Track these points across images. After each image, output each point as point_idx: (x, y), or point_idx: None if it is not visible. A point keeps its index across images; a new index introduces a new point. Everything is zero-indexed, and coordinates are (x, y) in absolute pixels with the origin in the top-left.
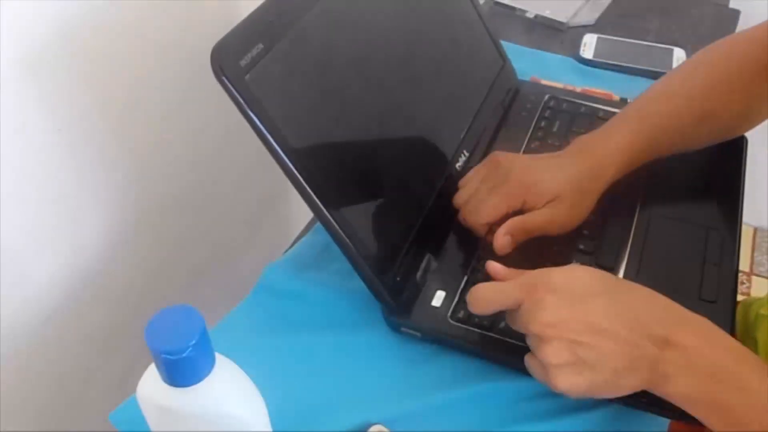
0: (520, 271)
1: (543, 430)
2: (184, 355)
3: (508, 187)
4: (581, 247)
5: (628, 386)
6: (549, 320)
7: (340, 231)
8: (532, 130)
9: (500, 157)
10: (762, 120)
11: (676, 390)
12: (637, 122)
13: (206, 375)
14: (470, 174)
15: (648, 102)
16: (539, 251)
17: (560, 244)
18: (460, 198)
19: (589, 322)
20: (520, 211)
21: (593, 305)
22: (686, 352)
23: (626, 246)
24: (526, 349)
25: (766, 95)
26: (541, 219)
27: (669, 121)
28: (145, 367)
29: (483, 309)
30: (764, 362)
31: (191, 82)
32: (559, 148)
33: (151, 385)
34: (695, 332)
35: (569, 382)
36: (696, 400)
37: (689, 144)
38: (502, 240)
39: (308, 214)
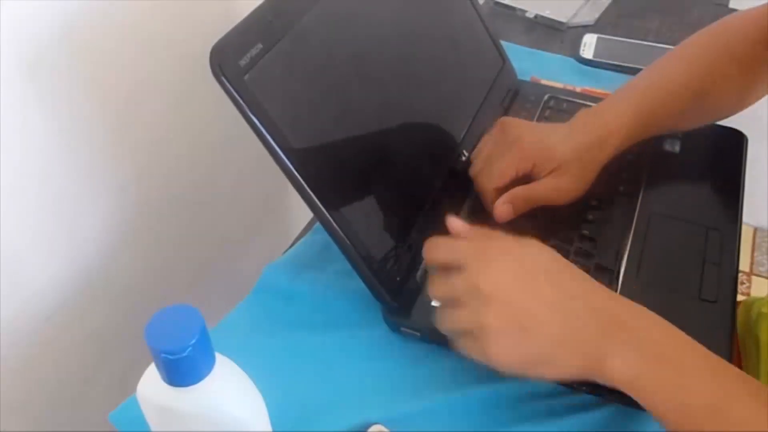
0: (480, 229)
1: (543, 430)
2: (184, 354)
3: (517, 151)
4: (581, 246)
5: (565, 364)
6: (498, 280)
7: (340, 231)
8: None
9: (508, 121)
10: (760, 97)
11: (616, 369)
12: (638, 98)
13: (206, 375)
14: (481, 143)
15: (648, 79)
16: None
17: (560, 242)
18: (475, 167)
19: (538, 290)
20: (528, 176)
21: (544, 277)
22: (630, 330)
23: (626, 246)
24: None
25: (762, 72)
26: (544, 189)
27: (669, 97)
28: (145, 367)
29: (432, 256)
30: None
31: (191, 82)
32: None
33: (151, 385)
34: (639, 314)
35: (504, 349)
36: (635, 380)
37: (689, 121)
38: (501, 208)
39: (308, 214)
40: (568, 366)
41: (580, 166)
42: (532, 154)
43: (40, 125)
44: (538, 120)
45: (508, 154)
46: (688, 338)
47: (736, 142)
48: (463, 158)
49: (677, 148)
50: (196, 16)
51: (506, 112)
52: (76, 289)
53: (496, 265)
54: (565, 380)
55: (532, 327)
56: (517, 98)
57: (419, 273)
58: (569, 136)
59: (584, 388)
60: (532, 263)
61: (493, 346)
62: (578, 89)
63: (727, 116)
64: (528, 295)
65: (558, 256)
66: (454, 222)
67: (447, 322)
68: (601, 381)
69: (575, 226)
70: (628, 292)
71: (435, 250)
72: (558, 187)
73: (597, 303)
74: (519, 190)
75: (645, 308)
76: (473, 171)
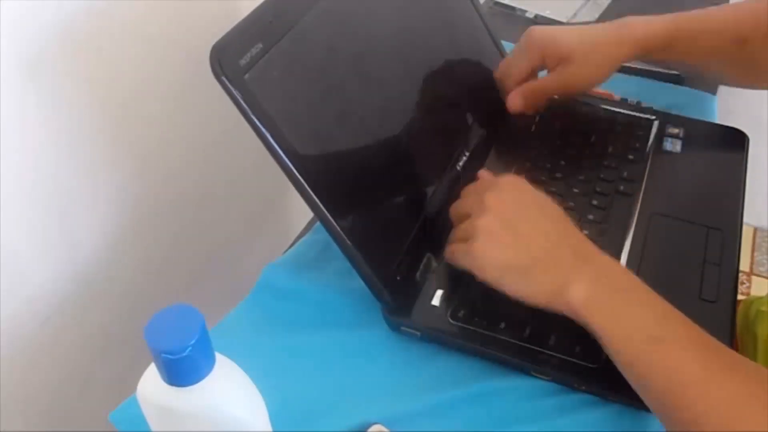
0: None
1: (543, 430)
2: (184, 354)
3: (527, 45)
4: None
5: (537, 286)
6: (499, 197)
7: (340, 230)
8: (534, 129)
9: (532, 27)
10: None
11: (575, 295)
12: (673, 19)
13: (206, 375)
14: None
15: (689, 15)
16: None
17: None
18: (499, 71)
19: (531, 214)
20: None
21: (539, 210)
22: (594, 266)
23: (626, 246)
24: (527, 349)
25: None
26: (552, 79)
27: (705, 29)
28: (145, 367)
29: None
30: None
31: (191, 82)
32: (562, 147)
33: (151, 385)
34: (605, 258)
35: (488, 252)
36: (589, 306)
37: (726, 69)
38: (512, 99)
39: (308, 215)
40: (538, 285)
41: (592, 57)
42: (540, 46)
43: (40, 125)
44: (540, 120)
45: (520, 51)
46: (644, 285)
47: (738, 141)
48: (464, 157)
49: (678, 148)
50: (197, 15)
51: (507, 111)
52: (76, 289)
53: (503, 189)
54: (532, 302)
55: (517, 240)
56: None
57: (419, 272)
58: (585, 31)
59: (584, 387)
60: (533, 197)
61: (479, 248)
62: None
63: (754, 83)
64: (521, 215)
65: (557, 206)
66: (482, 171)
67: (452, 235)
68: (562, 308)
69: (576, 226)
70: None
71: (462, 198)
72: (565, 80)
73: (574, 241)
74: (531, 83)
75: (614, 259)
76: (497, 75)
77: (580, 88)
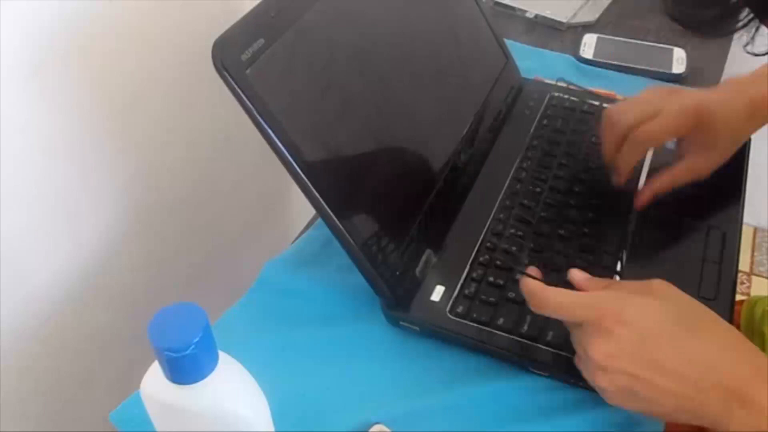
0: (601, 281)
1: (543, 429)
2: (186, 352)
3: (647, 98)
4: (581, 244)
5: (678, 422)
6: (611, 352)
7: (340, 225)
8: (535, 128)
9: (649, 87)
10: None
11: None
12: None
13: (209, 373)
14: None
15: None
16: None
17: (562, 241)
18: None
19: (655, 360)
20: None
21: (664, 343)
22: (752, 404)
23: (626, 244)
24: (526, 346)
25: None
26: (682, 173)
27: None
28: (145, 366)
29: (542, 311)
30: None
31: (192, 79)
32: (559, 145)
33: (154, 383)
34: (764, 380)
35: (619, 403)
36: None
37: None
38: (642, 198)
39: (308, 214)
40: (681, 422)
41: (726, 139)
42: (678, 109)
43: (41, 124)
44: (540, 118)
45: (638, 103)
46: None
47: None
48: (465, 154)
49: None
50: (198, 11)
51: (509, 109)
52: (76, 288)
53: (610, 336)
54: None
55: (649, 396)
56: (520, 96)
57: (419, 268)
58: (717, 104)
59: (582, 384)
60: (652, 328)
61: (609, 401)
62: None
63: None
64: (645, 364)
65: (682, 306)
66: (577, 275)
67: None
68: None
69: (576, 225)
70: None
71: (545, 306)
72: (699, 165)
73: (722, 369)
74: (660, 178)
75: None
76: (603, 122)
77: (707, 173)
